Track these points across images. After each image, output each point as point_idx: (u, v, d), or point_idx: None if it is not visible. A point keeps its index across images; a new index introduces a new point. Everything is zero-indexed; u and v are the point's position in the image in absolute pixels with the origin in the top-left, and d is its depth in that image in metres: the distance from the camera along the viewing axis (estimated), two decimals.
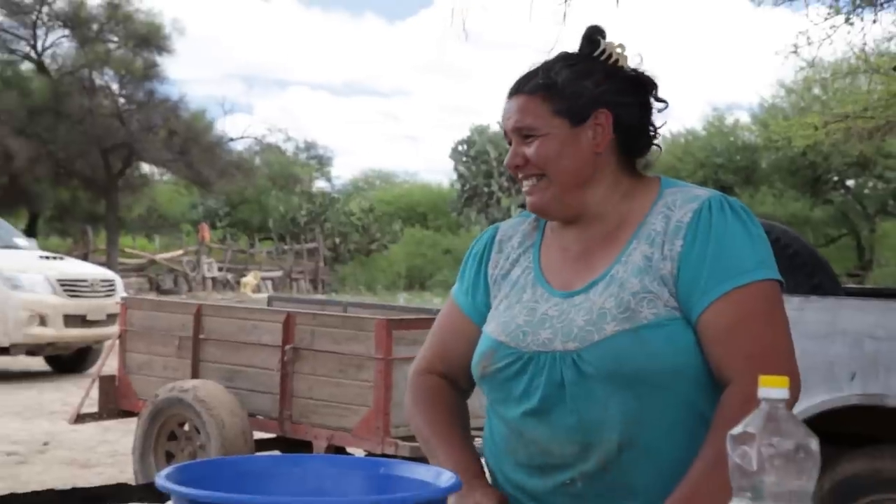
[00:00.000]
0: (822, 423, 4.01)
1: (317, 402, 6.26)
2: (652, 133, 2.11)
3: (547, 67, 2.06)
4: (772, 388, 1.41)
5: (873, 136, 13.06)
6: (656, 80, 2.10)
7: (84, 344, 13.48)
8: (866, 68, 12.82)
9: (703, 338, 1.93)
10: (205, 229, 33.13)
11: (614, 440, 1.95)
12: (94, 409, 7.42)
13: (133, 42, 31.29)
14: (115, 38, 31.77)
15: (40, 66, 31.83)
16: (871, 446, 4.52)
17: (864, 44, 10.45)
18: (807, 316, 4.38)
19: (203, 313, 6.90)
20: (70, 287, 13.19)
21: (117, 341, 7.44)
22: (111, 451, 8.62)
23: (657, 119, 2.11)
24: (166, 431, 6.73)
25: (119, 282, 14.41)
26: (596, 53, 2.06)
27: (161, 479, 1.67)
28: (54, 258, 14.60)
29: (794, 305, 4.40)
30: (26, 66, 32.59)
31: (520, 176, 2.08)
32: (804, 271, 4.99)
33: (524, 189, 2.09)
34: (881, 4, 8.62)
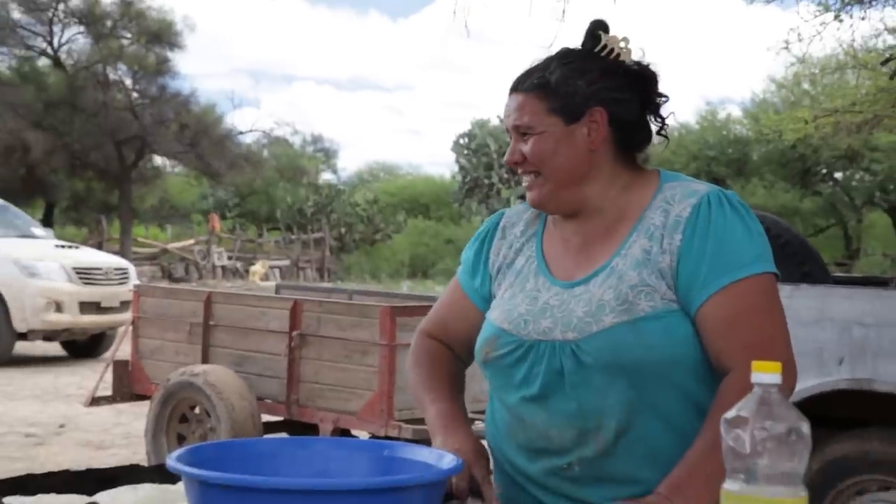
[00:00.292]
0: (811, 406, 4.00)
1: (323, 386, 6.26)
2: (660, 125, 2.10)
3: (543, 66, 2.05)
4: (764, 374, 1.41)
5: (861, 130, 13.04)
6: (657, 74, 2.08)
7: (98, 330, 13.50)
8: (854, 64, 12.80)
9: (702, 330, 1.93)
10: (215, 219, 33.12)
11: (612, 427, 1.94)
12: (109, 392, 7.44)
13: (145, 38, 31.26)
14: (129, 35, 31.74)
15: (56, 62, 31.81)
16: (859, 429, 4.52)
17: (853, 40, 10.46)
18: (797, 303, 4.38)
19: (213, 300, 6.90)
20: (85, 275, 13.20)
21: (130, 327, 7.45)
22: (125, 433, 8.63)
23: (664, 111, 2.09)
24: (178, 414, 6.74)
25: (132, 270, 14.41)
26: (597, 49, 2.05)
27: (171, 461, 1.67)
28: (70, 247, 14.60)
29: (785, 293, 4.39)
30: (43, 62, 32.58)
31: (519, 171, 2.08)
32: (794, 260, 4.99)
33: (524, 184, 2.08)
34: (869, 2, 8.60)
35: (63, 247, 14.33)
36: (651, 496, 1.85)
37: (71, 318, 12.87)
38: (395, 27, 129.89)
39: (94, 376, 8.43)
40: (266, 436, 6.44)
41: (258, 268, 27.49)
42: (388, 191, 48.92)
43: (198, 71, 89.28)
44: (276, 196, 43.01)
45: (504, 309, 2.08)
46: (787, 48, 10.23)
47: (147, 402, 6.99)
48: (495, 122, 39.21)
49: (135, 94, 31.88)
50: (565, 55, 2.06)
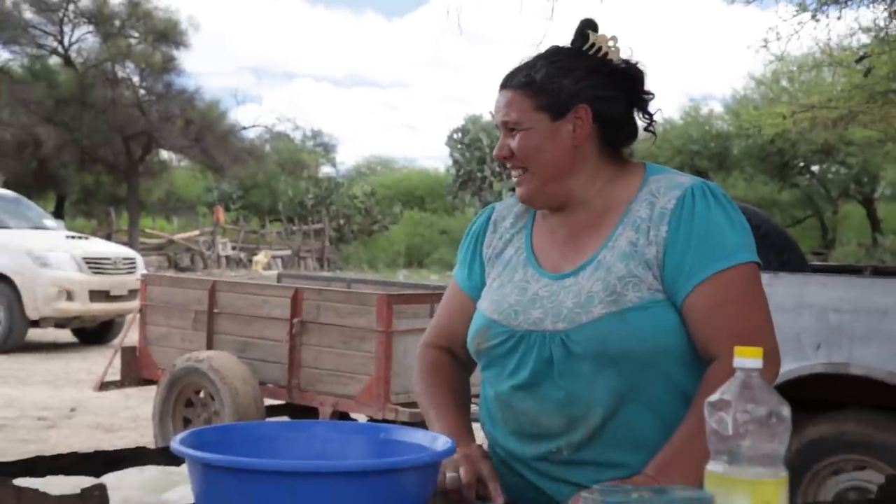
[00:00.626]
0: (790, 389, 4.00)
1: (322, 371, 6.26)
2: (647, 121, 2.09)
3: (531, 64, 2.04)
4: (746, 359, 1.41)
5: (837, 125, 13.05)
6: (644, 73, 2.06)
7: (107, 317, 13.50)
8: (830, 62, 12.80)
9: (689, 318, 1.92)
10: (219, 211, 33.12)
11: (598, 414, 1.93)
12: (117, 377, 7.44)
13: (152, 37, 31.22)
14: (136, 34, 31.69)
15: (67, 60, 31.76)
16: (835, 411, 4.53)
17: (829, 39, 10.46)
18: (776, 291, 4.38)
19: (217, 289, 6.89)
20: (95, 265, 13.19)
21: (138, 315, 7.44)
22: (133, 417, 8.63)
23: (651, 108, 2.08)
24: (183, 398, 6.74)
25: (140, 260, 14.42)
26: (585, 48, 2.03)
27: (175, 444, 1.66)
28: (80, 238, 14.59)
29: (765, 281, 4.38)
30: (54, 60, 32.53)
31: (508, 166, 2.07)
32: (774, 250, 4.99)
33: (513, 179, 2.07)
34: (845, 2, 8.60)
35: (73, 238, 14.32)
36: (638, 476, 1.85)
37: (81, 306, 12.88)
38: (390, 26, 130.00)
39: (104, 362, 8.42)
40: (268, 419, 6.43)
41: (261, 258, 27.47)
42: (385, 184, 48.91)
43: (202, 69, 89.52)
44: (278, 189, 43.01)
45: (493, 299, 2.07)
46: (766, 47, 10.22)
47: (154, 387, 6.99)
48: (488, 117, 39.09)
49: (142, 91, 31.84)
50: (553, 54, 2.05)
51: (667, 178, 2.02)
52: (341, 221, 39.90)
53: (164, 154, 34.24)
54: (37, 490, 1.76)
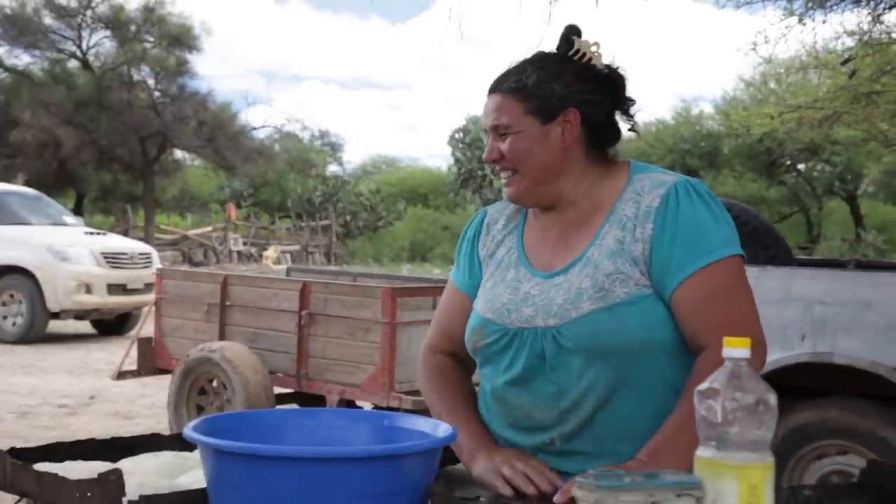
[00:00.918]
0: (776, 378, 4.00)
1: (329, 360, 6.25)
2: (631, 124, 2.07)
3: (520, 69, 2.02)
4: (734, 349, 1.40)
5: (822, 125, 13.03)
6: (626, 78, 2.05)
7: (124, 310, 13.51)
8: (816, 64, 12.78)
9: (677, 311, 1.91)
10: (231, 208, 33.09)
11: (590, 406, 1.93)
12: (134, 367, 7.44)
13: (167, 42, 31.18)
14: (151, 39, 31.65)
15: (85, 64, 31.73)
16: (820, 398, 4.53)
17: (815, 42, 10.42)
18: (764, 284, 4.38)
19: (229, 283, 6.89)
20: (112, 259, 13.19)
21: (154, 307, 7.44)
22: (149, 404, 8.64)
23: (634, 110, 2.07)
24: (197, 387, 6.74)
25: (155, 255, 14.42)
26: (570, 53, 2.02)
27: (188, 430, 1.66)
28: (98, 234, 14.59)
29: (753, 275, 4.38)
30: (73, 64, 32.49)
31: (497, 168, 2.05)
32: (762, 244, 4.99)
33: (503, 180, 2.05)
34: (830, 7, 8.58)
35: (92, 234, 14.32)
36: (631, 461, 1.84)
37: (99, 298, 12.88)
38: (394, 31, 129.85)
39: (121, 352, 8.43)
40: (277, 407, 6.44)
41: (271, 252, 27.45)
42: (390, 182, 48.86)
43: (214, 72, 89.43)
44: (287, 187, 42.97)
45: (487, 299, 2.06)
46: (754, 49, 10.20)
47: (169, 376, 6.98)
48: None
49: (157, 94, 31.80)
50: (541, 59, 2.03)
51: (650, 176, 2.01)
52: (348, 218, 39.86)
53: (178, 153, 34.22)
54: (56, 474, 1.77)
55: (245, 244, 30.86)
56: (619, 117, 2.06)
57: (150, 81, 32.01)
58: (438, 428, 1.77)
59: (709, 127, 37.29)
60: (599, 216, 2.00)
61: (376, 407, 5.93)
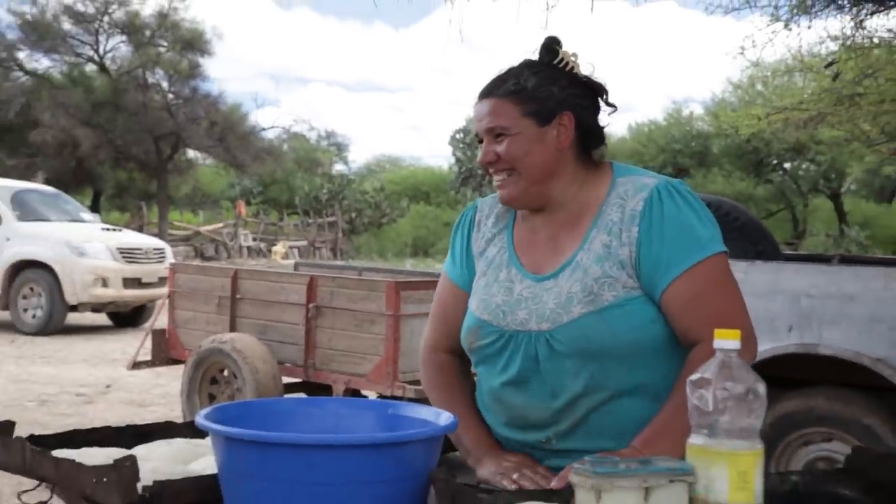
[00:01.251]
0: (764, 368, 4.00)
1: (336, 351, 6.25)
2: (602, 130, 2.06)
3: (516, 74, 1.99)
4: (725, 340, 1.40)
5: (807, 126, 13.00)
6: (606, 86, 2.04)
7: (139, 302, 13.52)
8: (802, 68, 12.78)
9: (669, 309, 1.90)
10: (241, 205, 33.10)
11: (583, 406, 1.92)
12: (149, 357, 7.44)
13: (180, 46, 31.18)
14: (165, 43, 31.65)
15: (102, 67, 31.73)
16: (806, 388, 4.52)
17: (800, 47, 10.41)
18: (752, 277, 4.37)
19: (239, 277, 6.89)
20: (128, 254, 13.20)
21: (167, 300, 7.44)
22: (163, 393, 8.64)
23: (608, 118, 2.06)
24: (209, 376, 6.74)
25: (168, 250, 14.42)
26: (555, 62, 2.00)
27: (199, 418, 1.65)
28: (114, 230, 14.60)
29: (742, 269, 4.40)
30: (90, 67, 32.49)
31: (491, 171, 2.02)
32: (750, 240, 4.98)
33: (496, 183, 2.02)
34: (814, 13, 8.56)
35: (108, 230, 14.33)
36: (625, 449, 1.84)
37: (115, 292, 12.89)
38: (397, 35, 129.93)
39: (136, 343, 8.44)
40: (286, 396, 6.43)
41: (279, 248, 27.45)
42: (393, 180, 48.85)
43: (225, 75, 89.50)
44: (295, 185, 42.97)
45: (481, 298, 2.04)
46: (742, 54, 10.16)
47: (182, 366, 6.99)
48: None
49: (170, 96, 31.78)
50: (532, 65, 2.01)
51: (632, 179, 1.99)
52: (353, 215, 39.86)
53: (191, 153, 34.20)
54: (73, 460, 1.76)
55: (255, 240, 30.86)
56: (602, 122, 2.05)
57: (164, 84, 32.01)
58: (440, 416, 1.77)
59: (699, 127, 37.27)
60: (587, 219, 1.98)
61: (380, 396, 5.94)
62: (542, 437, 1.97)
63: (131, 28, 31.04)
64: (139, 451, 1.92)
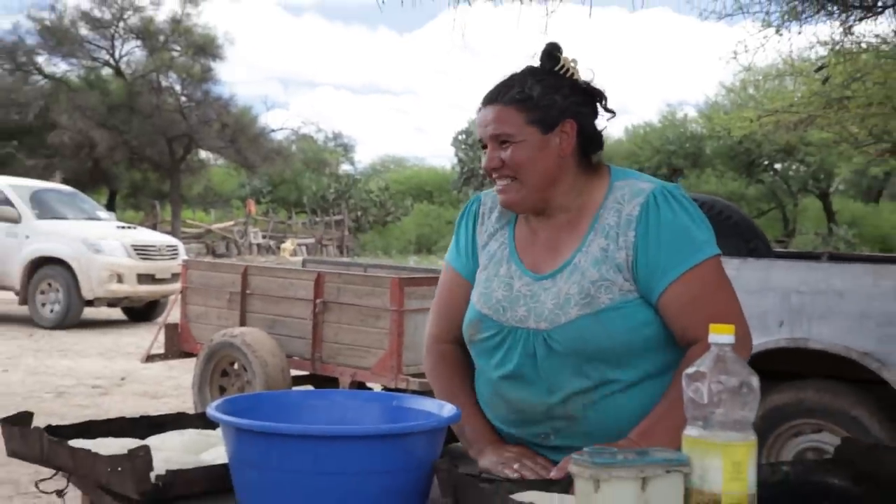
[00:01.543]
0: (756, 362, 3.97)
1: (342, 345, 6.25)
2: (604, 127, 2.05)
3: (520, 81, 1.96)
4: (720, 335, 1.40)
5: (797, 128, 12.98)
6: (605, 92, 2.02)
7: (153, 298, 13.51)
8: (792, 72, 12.74)
9: (667, 311, 1.88)
10: (251, 204, 33.13)
11: (579, 403, 1.92)
12: (162, 350, 7.43)
13: (192, 50, 31.20)
14: (178, 48, 31.67)
15: (117, 71, 31.77)
16: (796, 381, 4.51)
17: (791, 51, 10.40)
18: (744, 274, 4.36)
19: (249, 273, 6.88)
20: (142, 251, 13.20)
21: (180, 296, 7.43)
22: (175, 385, 8.64)
23: (605, 122, 2.04)
24: (219, 369, 6.73)
25: (181, 247, 14.43)
26: (556, 68, 1.98)
27: (210, 410, 1.65)
28: (129, 228, 14.59)
29: (734, 266, 4.39)
30: (106, 71, 32.54)
31: (494, 176, 1.99)
32: (742, 238, 4.98)
33: (497, 188, 2.00)
34: (804, 19, 8.54)
35: (123, 227, 14.33)
36: (622, 440, 1.83)
37: (130, 287, 12.89)
38: (401, 40, 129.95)
39: (150, 337, 8.43)
40: (294, 388, 6.44)
41: (288, 245, 27.45)
42: (398, 180, 48.85)
43: (236, 78, 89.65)
44: (303, 184, 43.00)
45: (482, 292, 2.02)
46: (734, 58, 10.14)
47: (194, 359, 6.98)
48: None
49: (183, 98, 31.81)
50: (535, 72, 1.98)
51: (629, 183, 1.97)
52: (359, 213, 39.88)
53: (203, 154, 34.24)
54: (89, 450, 1.76)
55: (264, 237, 30.87)
56: (600, 126, 2.03)
57: (177, 87, 32.05)
58: (443, 408, 1.76)
59: (693, 129, 37.25)
60: (585, 222, 1.97)
61: (385, 388, 5.93)
62: (540, 431, 1.96)
63: (146, 33, 31.07)
64: (152, 441, 1.92)
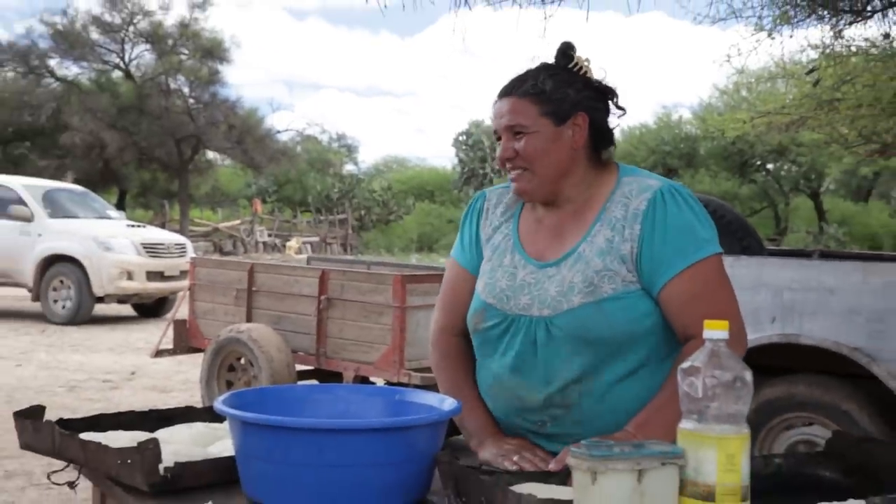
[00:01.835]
0: (749, 357, 3.98)
1: (346, 341, 6.24)
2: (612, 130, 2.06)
3: (535, 75, 1.98)
4: (714, 331, 1.39)
5: (789, 129, 12.97)
6: (616, 90, 2.03)
7: (162, 294, 13.51)
8: (784, 74, 12.72)
9: (668, 305, 1.89)
10: (257, 203, 33.11)
11: (576, 390, 1.91)
12: (170, 346, 7.43)
13: (200, 54, 31.18)
14: (186, 51, 31.64)
15: (127, 74, 31.74)
16: (788, 375, 4.51)
17: (783, 54, 10.38)
18: (737, 272, 4.36)
19: (255, 270, 6.88)
20: (151, 249, 13.20)
21: (188, 292, 7.43)
22: (184, 380, 8.64)
23: (617, 120, 2.05)
24: (226, 364, 6.73)
25: (189, 245, 14.42)
26: (570, 66, 1.99)
27: (217, 404, 1.65)
28: (138, 226, 14.59)
29: (728, 263, 4.35)
30: (116, 74, 32.51)
31: (508, 166, 2.00)
32: (736, 236, 4.97)
33: (511, 177, 2.01)
34: (796, 23, 8.53)
35: (133, 226, 14.32)
36: (619, 433, 1.83)
37: (139, 284, 12.89)
38: (403, 44, 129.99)
39: (159, 333, 8.43)
40: (299, 382, 6.43)
41: (293, 243, 27.44)
42: (400, 179, 48.82)
43: (243, 81, 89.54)
44: (308, 184, 42.98)
45: (486, 282, 2.03)
46: (728, 61, 10.13)
47: (202, 354, 6.98)
48: (488, 122, 39.07)
49: (191, 101, 31.79)
50: (549, 67, 2.00)
51: (637, 180, 1.98)
52: (362, 212, 39.88)
53: (210, 154, 34.21)
54: (99, 443, 1.76)
55: (270, 236, 30.87)
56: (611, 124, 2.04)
57: (186, 90, 32.02)
58: (444, 402, 1.76)
59: (687, 131, 37.22)
60: (591, 214, 1.97)
61: (388, 383, 5.93)
62: (537, 419, 1.96)
63: (155, 37, 31.05)
64: (161, 434, 1.91)
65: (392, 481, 1.57)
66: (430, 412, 1.72)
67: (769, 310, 4.38)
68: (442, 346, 2.15)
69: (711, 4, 7.98)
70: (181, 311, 7.98)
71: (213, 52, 31.33)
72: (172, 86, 31.54)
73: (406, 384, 5.64)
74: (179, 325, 7.35)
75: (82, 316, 12.68)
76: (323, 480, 1.53)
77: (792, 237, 30.90)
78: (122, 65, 31.76)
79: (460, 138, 43.79)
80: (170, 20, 31.46)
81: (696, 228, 1.90)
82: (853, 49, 9.55)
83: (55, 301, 12.80)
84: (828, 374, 4.42)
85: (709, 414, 1.35)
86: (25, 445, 1.94)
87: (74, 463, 1.86)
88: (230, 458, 1.70)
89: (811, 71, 9.81)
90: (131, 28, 31.12)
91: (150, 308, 13.74)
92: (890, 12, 7.84)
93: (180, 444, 1.85)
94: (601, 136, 2.01)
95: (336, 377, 6.33)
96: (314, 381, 6.52)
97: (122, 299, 13.17)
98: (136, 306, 13.84)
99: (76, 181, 22.94)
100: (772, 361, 4.45)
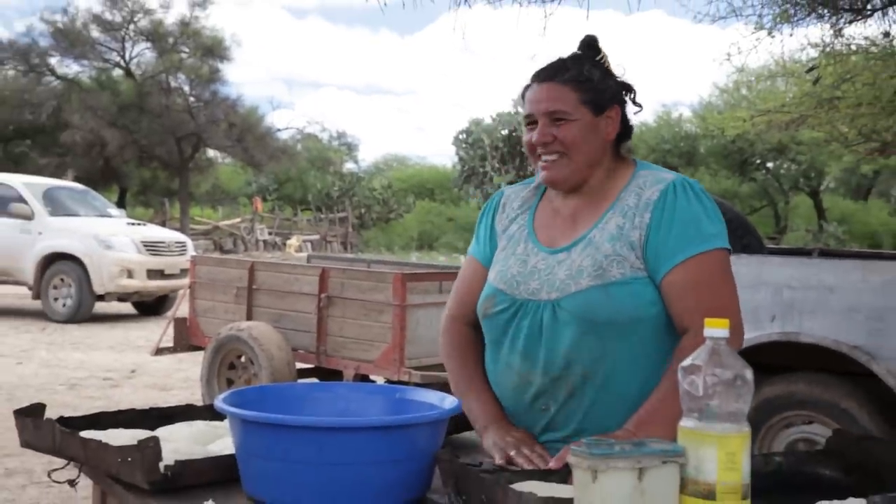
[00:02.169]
0: (749, 355, 3.97)
1: (346, 339, 6.24)
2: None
3: (578, 63, 1.99)
4: (715, 329, 1.39)
5: (789, 128, 12.96)
6: (635, 87, 2.06)
7: (162, 292, 13.51)
8: (784, 73, 12.71)
9: (668, 294, 1.90)
10: (258, 202, 33.11)
11: (579, 374, 1.92)
12: (171, 344, 7.43)
13: (200, 52, 31.19)
14: (187, 49, 31.66)
15: (128, 72, 31.76)
16: (788, 373, 4.51)
17: (782, 53, 10.39)
18: (738, 270, 4.31)
19: (256, 268, 6.88)
20: (151, 247, 13.20)
21: (188, 290, 7.43)
22: (184, 378, 8.64)
23: (633, 117, 2.08)
24: (227, 362, 6.73)
25: (189, 243, 14.42)
26: (598, 58, 2.01)
27: (218, 402, 1.65)
28: (139, 224, 14.59)
29: None
30: (117, 72, 32.54)
31: (541, 151, 2.00)
32: (736, 234, 4.96)
33: (542, 163, 2.01)
34: (796, 22, 8.53)
35: (133, 224, 14.33)
36: (619, 430, 1.83)
37: (140, 282, 12.89)
38: (403, 42, 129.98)
39: (159, 331, 8.44)
40: (299, 381, 6.43)
41: (293, 241, 27.43)
42: (400, 178, 48.80)
43: (243, 79, 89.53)
44: (308, 182, 42.96)
45: (499, 270, 2.05)
46: (728, 60, 10.11)
47: (202, 352, 6.98)
48: (488, 120, 39.08)
49: (191, 99, 31.80)
50: (588, 57, 2.01)
51: (653, 173, 2.01)
52: (362, 210, 39.86)
53: (211, 152, 34.23)
54: (100, 441, 1.76)
55: (270, 234, 30.85)
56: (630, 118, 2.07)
57: (186, 88, 32.03)
58: (445, 400, 1.76)
59: (687, 129, 37.23)
60: (606, 202, 2.00)
61: (388, 381, 5.93)
62: (541, 404, 1.97)
63: (155, 35, 31.07)
64: (161, 432, 1.92)
65: (392, 479, 1.57)
66: (430, 410, 1.72)
67: (769, 308, 4.38)
68: (452, 333, 2.17)
69: (711, 3, 8.00)
70: (181, 309, 7.98)
71: (214, 50, 31.35)
72: (173, 84, 31.55)
73: (406, 382, 5.64)
74: (180, 324, 7.35)
75: (83, 314, 12.68)
76: (323, 478, 1.53)
77: (792, 235, 30.91)
78: (122, 63, 31.78)
79: (460, 136, 43.69)
80: (170, 18, 31.60)
81: (703, 222, 1.92)
82: (853, 47, 9.54)
83: (56, 299, 12.81)
84: (828, 372, 4.42)
85: (709, 412, 1.35)
86: (26, 443, 1.94)
87: (75, 461, 1.86)
88: (230, 457, 1.69)
89: (811, 69, 9.81)
90: (132, 26, 31.16)
91: (150, 306, 13.75)
92: (890, 11, 7.85)
93: (181, 443, 1.85)
94: (625, 130, 2.04)
95: (336, 375, 6.32)
96: (314, 380, 6.52)
97: (122, 297, 13.17)
98: (136, 304, 13.84)
99: (77, 179, 22.95)
100: (772, 360, 4.45)
